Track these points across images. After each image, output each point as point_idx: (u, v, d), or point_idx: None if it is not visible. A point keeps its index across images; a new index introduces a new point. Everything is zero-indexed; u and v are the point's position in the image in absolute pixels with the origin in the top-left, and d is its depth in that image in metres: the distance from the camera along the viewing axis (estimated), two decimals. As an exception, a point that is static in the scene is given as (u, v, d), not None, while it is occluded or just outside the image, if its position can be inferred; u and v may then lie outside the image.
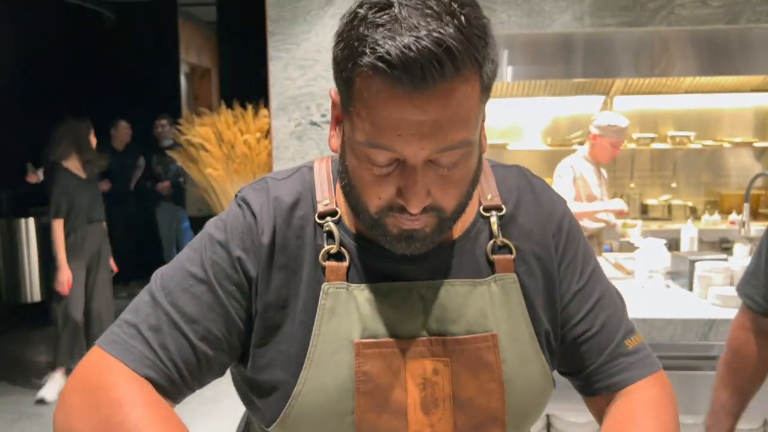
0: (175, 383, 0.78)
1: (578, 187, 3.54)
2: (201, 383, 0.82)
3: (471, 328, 0.81)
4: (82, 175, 3.98)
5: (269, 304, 0.81)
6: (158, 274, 0.84)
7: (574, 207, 3.47)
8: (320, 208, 0.84)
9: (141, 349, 0.77)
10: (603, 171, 3.69)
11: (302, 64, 3.81)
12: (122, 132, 6.25)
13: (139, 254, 6.19)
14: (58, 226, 3.81)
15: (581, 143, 4.55)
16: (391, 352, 0.79)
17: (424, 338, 0.81)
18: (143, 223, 6.54)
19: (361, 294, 0.81)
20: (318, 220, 0.83)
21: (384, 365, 0.79)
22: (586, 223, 3.54)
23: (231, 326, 0.80)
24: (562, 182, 3.53)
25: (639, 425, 0.82)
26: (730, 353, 1.40)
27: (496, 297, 0.84)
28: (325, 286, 0.80)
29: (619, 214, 3.54)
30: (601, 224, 3.56)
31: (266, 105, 4.21)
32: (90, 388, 0.76)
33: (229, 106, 4.64)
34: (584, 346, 0.89)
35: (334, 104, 0.79)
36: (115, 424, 0.72)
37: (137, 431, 0.71)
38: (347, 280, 0.81)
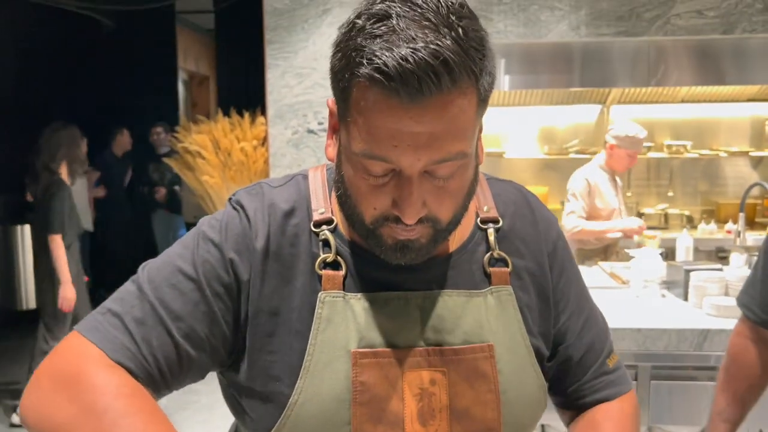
0: (153, 379, 0.76)
1: (593, 198, 3.47)
2: (179, 383, 0.80)
3: (468, 339, 0.81)
4: (70, 184, 3.86)
5: (260, 310, 0.80)
6: (146, 267, 0.82)
7: (590, 226, 3.41)
8: (316, 216, 0.83)
9: (123, 339, 0.76)
10: (618, 179, 3.62)
11: (299, 73, 3.83)
12: (126, 139, 6.28)
13: (134, 261, 6.16)
14: (59, 241, 3.66)
15: (578, 152, 4.57)
16: (388, 362, 0.79)
17: (421, 348, 0.80)
18: (139, 230, 6.53)
19: (358, 303, 0.80)
20: (314, 229, 0.83)
21: (381, 375, 0.78)
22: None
23: (215, 327, 0.79)
24: (576, 201, 3.46)
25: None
26: (729, 360, 1.41)
27: (492, 308, 0.84)
28: (321, 295, 0.80)
29: (637, 232, 3.41)
30: (619, 234, 3.47)
31: (263, 113, 4.22)
32: (67, 374, 0.74)
33: (227, 113, 4.65)
34: (572, 366, 0.92)
35: (331, 113, 0.79)
36: (96, 411, 0.70)
37: (123, 420, 0.69)
38: (344, 289, 0.81)
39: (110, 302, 0.80)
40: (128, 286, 0.81)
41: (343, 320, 0.79)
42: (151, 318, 0.77)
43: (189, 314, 0.78)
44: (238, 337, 0.81)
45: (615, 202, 3.52)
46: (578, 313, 0.92)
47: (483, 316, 0.83)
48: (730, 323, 2.13)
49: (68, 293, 3.67)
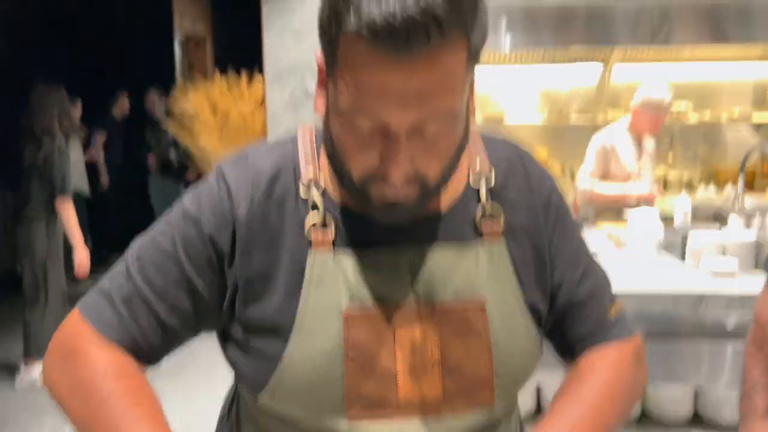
0: (143, 353, 0.82)
1: (609, 160, 3.38)
2: (169, 352, 0.86)
3: (459, 294, 0.81)
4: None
5: (250, 277, 0.81)
6: (136, 244, 0.86)
7: (601, 189, 3.35)
8: (304, 178, 0.83)
9: (112, 317, 0.81)
10: (647, 143, 3.46)
11: (297, 31, 3.77)
12: (126, 103, 6.26)
13: (133, 223, 6.18)
14: (68, 204, 3.56)
15: (579, 113, 4.52)
16: (379, 318, 0.79)
17: (412, 304, 0.81)
18: (137, 193, 6.53)
19: (348, 262, 0.80)
20: (302, 191, 0.82)
21: (372, 331, 0.79)
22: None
23: (199, 301, 0.82)
24: (590, 161, 3.41)
25: (616, 379, 0.88)
26: (757, 329, 1.34)
27: (483, 263, 0.83)
28: (311, 254, 0.80)
29: (648, 199, 3.31)
30: (634, 200, 3.37)
31: (261, 74, 4.16)
32: (67, 351, 0.82)
33: (225, 74, 4.60)
34: (573, 316, 0.91)
35: (319, 68, 0.78)
36: (85, 391, 0.78)
37: (108, 401, 0.75)
38: (333, 248, 0.81)
39: (105, 279, 0.86)
40: (120, 265, 0.85)
41: (333, 279, 0.80)
42: (136, 297, 0.81)
43: (172, 291, 0.81)
44: (226, 305, 0.83)
45: (634, 166, 3.41)
46: (575, 264, 0.91)
47: (474, 272, 0.83)
48: (727, 285, 2.14)
49: (83, 258, 3.60)
